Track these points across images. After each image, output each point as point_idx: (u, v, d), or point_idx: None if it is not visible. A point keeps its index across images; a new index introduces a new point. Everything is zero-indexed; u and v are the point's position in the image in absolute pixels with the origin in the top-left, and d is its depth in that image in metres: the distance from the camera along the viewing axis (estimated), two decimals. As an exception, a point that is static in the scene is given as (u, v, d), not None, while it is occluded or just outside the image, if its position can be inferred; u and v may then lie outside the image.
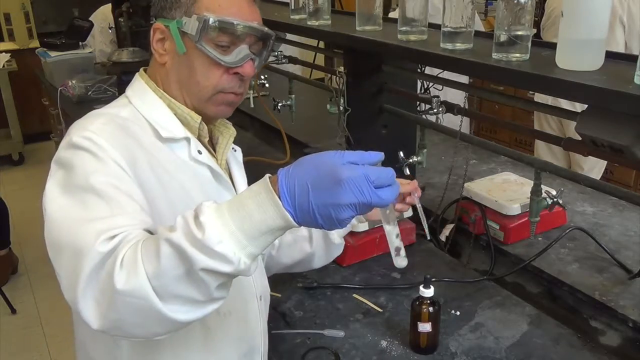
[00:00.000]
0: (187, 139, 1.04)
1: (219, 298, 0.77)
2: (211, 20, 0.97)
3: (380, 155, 0.77)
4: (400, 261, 0.91)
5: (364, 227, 1.58)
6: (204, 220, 0.72)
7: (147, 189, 0.93)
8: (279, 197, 0.73)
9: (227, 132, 1.15)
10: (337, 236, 1.30)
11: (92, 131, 0.92)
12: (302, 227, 1.28)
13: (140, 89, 1.06)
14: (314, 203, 0.71)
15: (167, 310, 0.74)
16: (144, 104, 1.03)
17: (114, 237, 0.79)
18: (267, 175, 0.76)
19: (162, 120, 1.02)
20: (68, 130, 0.96)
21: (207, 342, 1.05)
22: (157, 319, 0.76)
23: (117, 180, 0.88)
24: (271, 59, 2.19)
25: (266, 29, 1.04)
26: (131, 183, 0.90)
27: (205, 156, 1.06)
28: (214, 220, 0.72)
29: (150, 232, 0.83)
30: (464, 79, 2.31)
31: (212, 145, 1.13)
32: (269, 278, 1.31)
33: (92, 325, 0.78)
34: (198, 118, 1.05)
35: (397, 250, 0.91)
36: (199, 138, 1.07)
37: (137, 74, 1.09)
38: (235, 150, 1.18)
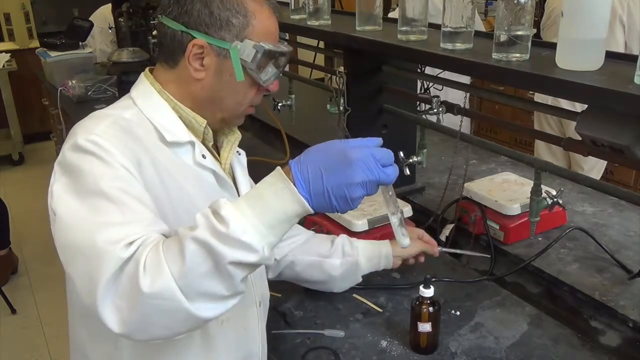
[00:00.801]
0: (192, 143, 1.03)
1: (241, 292, 0.80)
2: (268, 50, 0.99)
3: (379, 140, 0.83)
4: (404, 240, 0.99)
5: (363, 227, 1.58)
6: (225, 214, 0.75)
7: (151, 192, 0.93)
8: (294, 185, 0.78)
9: (233, 136, 1.14)
10: (365, 268, 1.40)
11: (97, 134, 0.90)
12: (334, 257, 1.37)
13: (145, 90, 1.04)
14: (328, 185, 0.78)
15: (193, 308, 0.76)
16: (148, 105, 1.02)
17: (132, 242, 0.79)
18: (278, 167, 0.80)
19: (166, 123, 1.01)
20: (72, 130, 0.95)
21: (206, 349, 1.05)
22: (183, 318, 0.77)
23: (127, 185, 0.88)
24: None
25: (290, 48, 1.06)
26: (140, 187, 0.90)
27: (210, 161, 1.05)
28: (235, 213, 0.76)
29: (165, 236, 0.83)
30: (464, 79, 2.31)
31: (216, 149, 1.13)
32: (270, 280, 1.31)
33: (114, 330, 0.78)
34: (203, 122, 1.04)
35: (403, 234, 0.98)
36: (204, 142, 1.06)
37: (142, 74, 1.07)
38: (239, 154, 1.17)
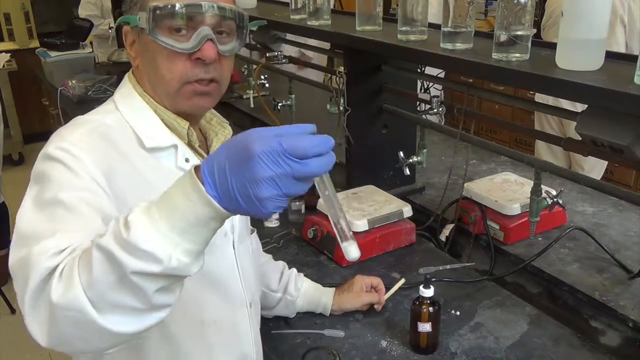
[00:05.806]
0: (175, 147, 1.00)
1: (162, 305, 0.71)
2: (153, 7, 0.93)
3: (304, 127, 0.69)
4: (351, 253, 0.75)
5: (364, 226, 1.58)
6: (131, 219, 0.68)
7: (124, 201, 0.90)
8: (202, 183, 0.68)
9: (223, 133, 1.10)
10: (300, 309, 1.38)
11: (70, 142, 0.89)
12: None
13: (127, 93, 1.02)
14: (232, 181, 0.66)
15: (104, 322, 0.69)
16: (130, 110, 1.00)
17: (63, 250, 0.74)
18: (193, 165, 0.71)
19: (148, 128, 0.99)
20: (50, 138, 0.93)
21: (196, 351, 1.03)
22: (96, 332, 0.70)
23: (89, 194, 0.84)
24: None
25: (228, 6, 0.96)
26: (105, 198, 0.87)
27: (194, 164, 1.02)
28: (141, 217, 0.68)
29: None
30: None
31: (206, 148, 1.09)
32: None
33: (40, 343, 0.72)
34: (185, 124, 1.01)
35: (347, 238, 0.75)
36: (190, 144, 1.03)
37: (126, 76, 1.06)
38: None
